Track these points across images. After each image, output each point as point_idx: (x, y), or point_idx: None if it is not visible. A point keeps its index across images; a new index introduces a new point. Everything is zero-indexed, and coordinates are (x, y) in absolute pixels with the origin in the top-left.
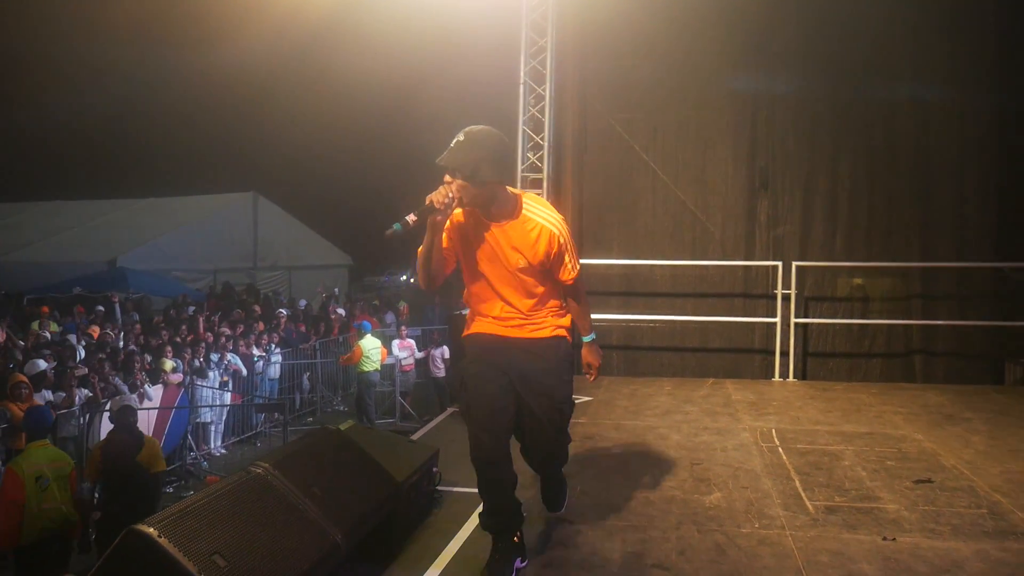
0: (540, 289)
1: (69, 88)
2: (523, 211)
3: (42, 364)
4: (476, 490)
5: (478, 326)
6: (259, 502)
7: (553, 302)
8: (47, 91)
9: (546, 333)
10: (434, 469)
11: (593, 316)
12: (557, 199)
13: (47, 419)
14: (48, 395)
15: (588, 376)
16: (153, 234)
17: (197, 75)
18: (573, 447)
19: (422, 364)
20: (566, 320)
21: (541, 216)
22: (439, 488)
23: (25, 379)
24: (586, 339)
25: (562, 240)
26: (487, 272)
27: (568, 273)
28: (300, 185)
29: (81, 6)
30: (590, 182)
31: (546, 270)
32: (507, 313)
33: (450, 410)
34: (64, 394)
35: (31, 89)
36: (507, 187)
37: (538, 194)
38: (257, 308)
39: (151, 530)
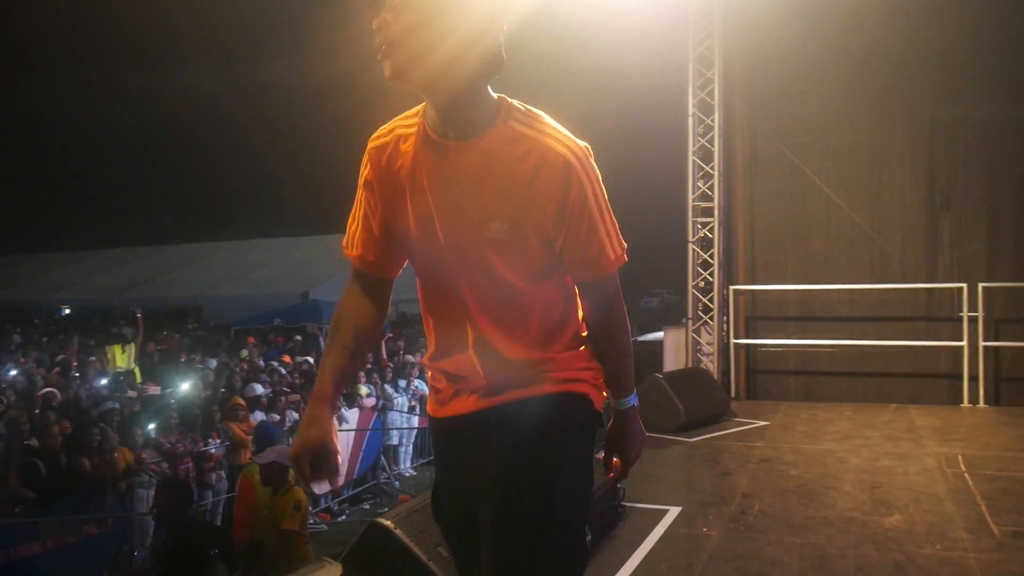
0: (539, 296)
1: (269, 136)
2: (509, 123)
3: (259, 388)
4: (659, 506)
5: (433, 400)
6: None
7: (567, 325)
8: (248, 139)
9: (547, 389)
10: (618, 485)
11: (769, 341)
12: (729, 226)
13: (274, 433)
14: (261, 416)
15: (609, 475)
16: (340, 267)
17: (373, 110)
18: (750, 469)
19: None
20: (589, 365)
21: (544, 133)
22: (623, 503)
23: (242, 401)
24: (621, 405)
25: (586, 183)
26: (436, 258)
27: (602, 259)
28: None
29: (263, 55)
30: (762, 208)
31: (553, 250)
32: (477, 359)
33: None
34: (277, 416)
35: (234, 138)
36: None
37: (706, 223)
38: None
39: (389, 523)
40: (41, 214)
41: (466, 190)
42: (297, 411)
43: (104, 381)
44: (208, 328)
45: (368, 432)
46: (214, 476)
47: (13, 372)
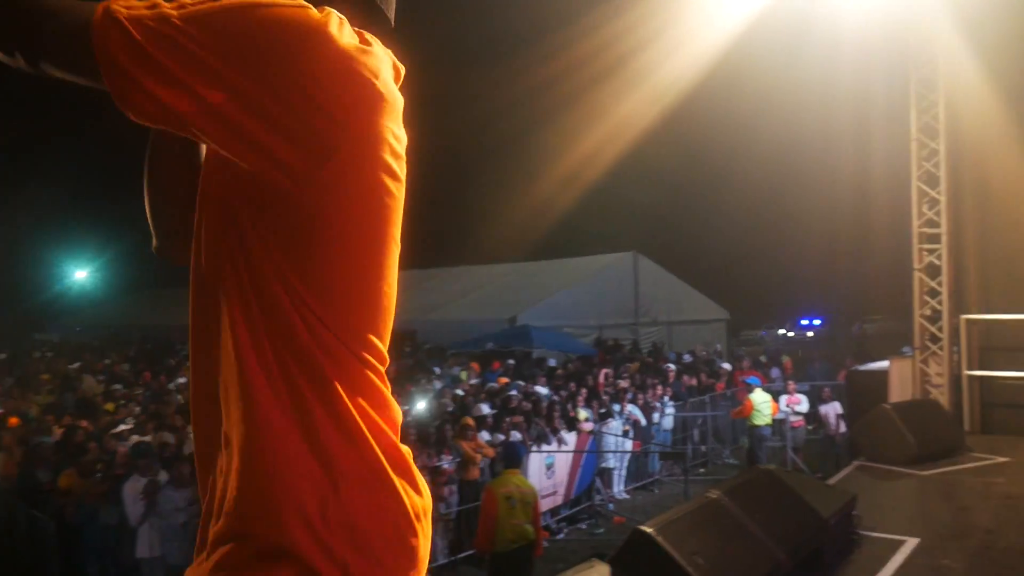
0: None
1: (482, 167)
2: None
3: (485, 408)
4: (895, 536)
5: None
6: (717, 520)
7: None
8: (468, 169)
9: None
10: (853, 512)
11: (1007, 373)
12: (958, 254)
13: (520, 452)
14: (486, 435)
15: None
16: (546, 293)
17: (585, 146)
18: (992, 505)
19: (811, 420)
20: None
21: None
22: (858, 531)
23: (472, 422)
24: None
25: None
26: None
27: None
28: (677, 242)
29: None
30: (994, 234)
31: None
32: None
33: (856, 463)
34: (502, 436)
35: (447, 170)
36: None
37: (933, 250)
38: (650, 360)
39: (651, 530)
40: None
41: None
42: (519, 431)
43: None
44: (423, 351)
45: (584, 454)
46: (446, 490)
47: None
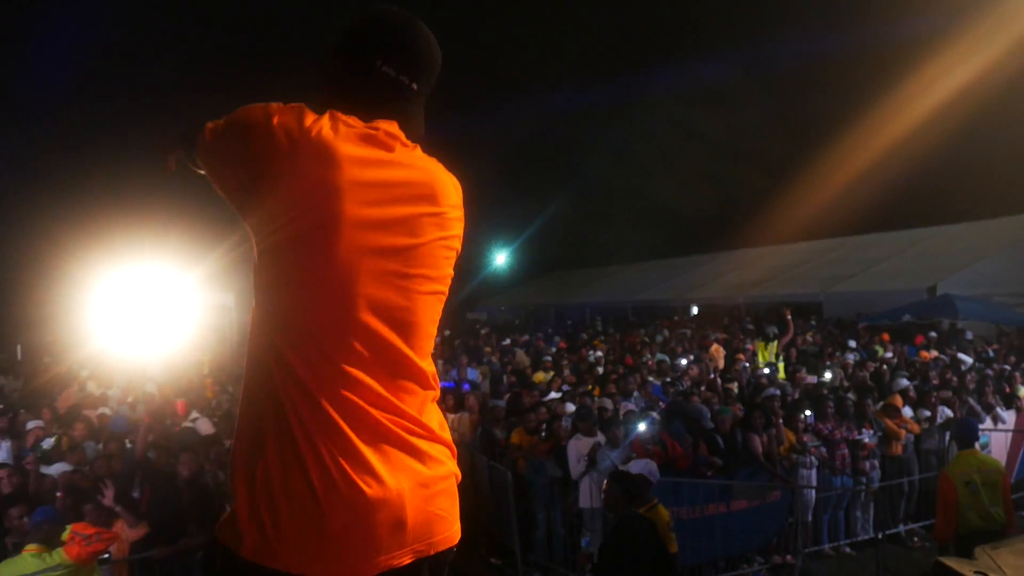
0: None
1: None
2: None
3: (904, 382)
4: None
5: None
6: None
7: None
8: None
9: None
10: None
11: None
12: None
13: (975, 429)
14: (908, 411)
15: None
16: (971, 259)
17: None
18: None
19: None
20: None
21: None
22: None
23: (900, 402)
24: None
25: None
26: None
27: None
28: None
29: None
30: None
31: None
32: None
33: None
34: (927, 412)
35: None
36: None
37: None
38: None
39: None
40: (673, 225)
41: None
42: (949, 407)
43: (767, 371)
44: (832, 324)
45: None
46: (867, 464)
47: (684, 362)
